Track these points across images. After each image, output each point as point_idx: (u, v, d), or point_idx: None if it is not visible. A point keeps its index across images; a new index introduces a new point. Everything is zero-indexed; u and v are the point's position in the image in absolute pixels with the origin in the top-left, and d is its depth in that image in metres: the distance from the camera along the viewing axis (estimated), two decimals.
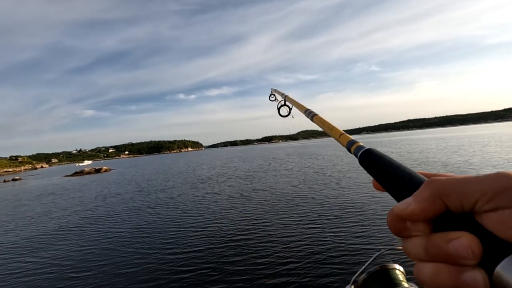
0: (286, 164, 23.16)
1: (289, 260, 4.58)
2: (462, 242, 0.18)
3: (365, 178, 11.31)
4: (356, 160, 0.35)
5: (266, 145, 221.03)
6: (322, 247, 4.97)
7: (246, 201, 9.51)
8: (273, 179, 14.66)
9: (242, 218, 7.38)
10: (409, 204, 0.21)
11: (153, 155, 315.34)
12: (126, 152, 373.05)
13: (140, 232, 7.14)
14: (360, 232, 5.51)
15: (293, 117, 1.18)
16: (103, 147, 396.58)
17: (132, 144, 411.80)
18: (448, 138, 42.75)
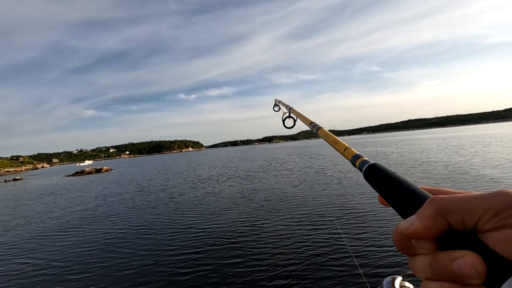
0: (287, 164, 23.14)
1: (289, 261, 4.55)
2: (467, 261, 0.18)
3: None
4: (361, 172, 0.35)
5: (267, 145, 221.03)
6: (323, 248, 4.94)
7: (247, 202, 9.48)
8: (274, 179, 14.63)
9: (243, 219, 7.35)
10: (413, 222, 0.21)
11: (154, 155, 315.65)
12: (127, 152, 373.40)
13: (140, 232, 7.12)
14: (362, 233, 5.48)
15: (295, 124, 1.18)
16: (104, 147, 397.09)
17: (132, 144, 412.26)
18: (449, 138, 42.69)
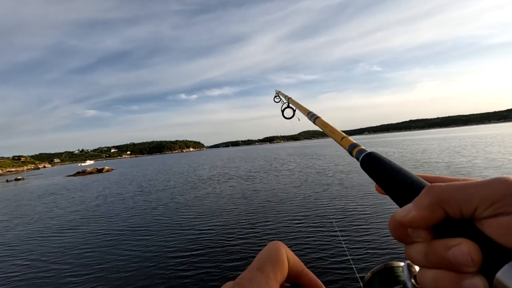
0: (288, 164, 23.09)
1: None
2: (462, 249, 0.18)
3: (367, 179, 11.22)
4: (357, 161, 0.35)
5: (268, 145, 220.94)
6: (324, 249, 4.91)
7: (248, 202, 9.45)
8: (275, 179, 14.59)
9: (244, 220, 7.32)
10: (410, 211, 0.21)
11: (155, 155, 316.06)
12: (128, 152, 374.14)
13: (141, 233, 7.09)
14: (363, 234, 5.44)
15: (299, 120, 1.18)
16: (105, 147, 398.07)
17: (134, 144, 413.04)
18: (450, 138, 42.52)
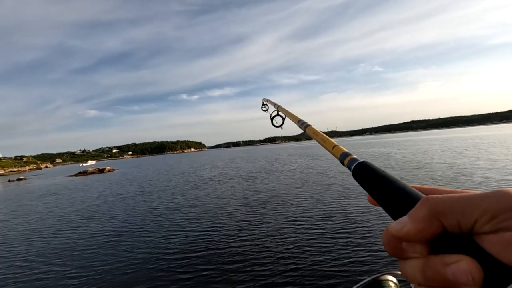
0: (289, 165, 23.06)
1: (292, 265, 4.49)
2: (461, 266, 0.16)
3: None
4: (349, 171, 0.34)
5: (269, 146, 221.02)
6: (324, 252, 4.87)
7: (249, 203, 9.42)
8: (276, 180, 14.57)
9: (245, 220, 7.29)
10: (405, 224, 0.20)
11: (156, 155, 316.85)
12: (130, 153, 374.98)
13: (141, 233, 7.08)
14: (366, 237, 5.40)
15: (282, 129, 1.19)
16: (107, 147, 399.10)
17: (135, 145, 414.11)
18: (452, 139, 42.38)
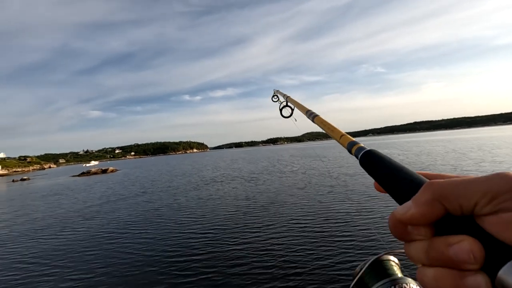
0: (291, 165, 22.99)
1: (293, 268, 4.44)
2: (463, 246, 0.17)
3: (371, 180, 11.09)
4: (357, 159, 0.35)
5: (271, 147, 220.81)
6: (327, 252, 4.82)
7: (251, 204, 9.38)
8: (278, 181, 14.51)
9: (247, 222, 7.25)
10: (409, 208, 0.21)
11: (159, 156, 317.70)
12: (132, 153, 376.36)
13: (143, 234, 7.06)
14: (368, 236, 5.34)
15: (295, 120, 1.17)
16: (110, 147, 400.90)
17: (138, 145, 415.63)
18: (456, 140, 42.05)
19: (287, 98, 1.12)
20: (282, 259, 4.73)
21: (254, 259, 4.85)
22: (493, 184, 0.18)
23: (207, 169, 29.02)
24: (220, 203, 10.05)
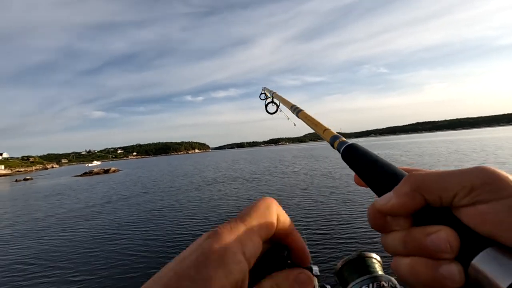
0: (293, 166, 22.97)
1: None
2: (440, 235, 0.18)
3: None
4: (339, 153, 0.35)
5: (273, 147, 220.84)
6: (329, 253, 4.81)
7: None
8: (280, 181, 14.50)
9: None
10: (390, 199, 0.21)
11: (161, 156, 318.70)
12: (134, 153, 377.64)
13: (144, 235, 7.07)
14: (372, 238, 5.32)
15: (280, 110, 1.14)
16: (112, 148, 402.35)
17: (140, 145, 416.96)
18: (459, 141, 41.85)
19: (273, 94, 1.10)
20: None
21: None
22: (472, 177, 0.19)
23: (208, 169, 29.05)
24: (222, 203, 10.05)
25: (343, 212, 7.31)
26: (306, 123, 0.57)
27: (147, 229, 7.55)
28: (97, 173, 39.73)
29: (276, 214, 0.22)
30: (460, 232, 0.18)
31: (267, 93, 1.26)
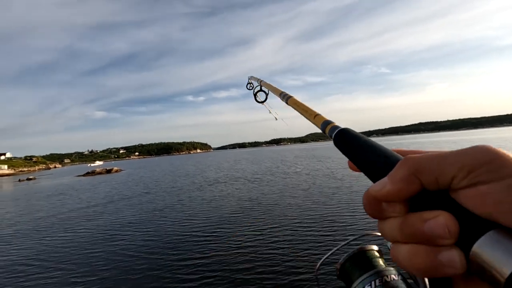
0: (295, 166, 22.90)
1: (297, 268, 4.38)
2: (438, 221, 0.17)
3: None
4: (331, 139, 0.34)
5: (275, 147, 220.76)
6: (332, 255, 4.75)
7: (254, 205, 9.33)
8: (282, 182, 14.44)
9: (250, 223, 7.20)
10: (385, 184, 0.20)
11: (163, 156, 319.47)
12: (136, 153, 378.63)
13: (146, 235, 7.05)
14: (375, 240, 5.25)
15: (267, 98, 1.13)
16: (114, 148, 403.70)
17: (142, 145, 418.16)
18: (462, 141, 41.60)
19: (261, 82, 1.06)
20: (287, 263, 4.67)
21: (258, 262, 4.79)
22: (471, 157, 0.18)
23: (210, 169, 29.05)
24: (224, 204, 10.01)
25: (345, 213, 7.26)
26: (297, 110, 0.55)
27: (149, 229, 7.53)
28: (100, 173, 39.84)
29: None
30: (459, 216, 0.17)
31: (254, 82, 1.22)
